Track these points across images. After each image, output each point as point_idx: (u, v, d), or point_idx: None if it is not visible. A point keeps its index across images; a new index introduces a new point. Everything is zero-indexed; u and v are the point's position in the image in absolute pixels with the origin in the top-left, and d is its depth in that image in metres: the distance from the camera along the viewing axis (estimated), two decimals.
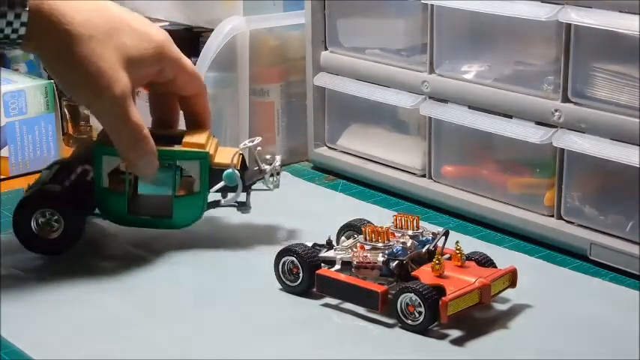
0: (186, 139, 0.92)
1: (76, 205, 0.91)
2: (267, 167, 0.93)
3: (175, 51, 0.91)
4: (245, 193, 0.94)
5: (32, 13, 0.81)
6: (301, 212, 1.01)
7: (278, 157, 0.95)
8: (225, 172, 0.92)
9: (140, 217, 0.93)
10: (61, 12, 0.83)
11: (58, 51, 0.84)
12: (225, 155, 0.93)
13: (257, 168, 0.94)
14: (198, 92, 0.94)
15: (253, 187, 0.94)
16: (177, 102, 0.96)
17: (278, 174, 0.94)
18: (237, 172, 0.92)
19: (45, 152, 1.17)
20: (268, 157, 0.95)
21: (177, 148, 0.92)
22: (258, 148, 0.93)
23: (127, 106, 0.86)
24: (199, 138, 0.92)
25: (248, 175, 0.94)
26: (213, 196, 0.94)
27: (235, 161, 0.92)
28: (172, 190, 0.92)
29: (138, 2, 1.22)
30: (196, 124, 0.95)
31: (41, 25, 0.82)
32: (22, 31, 0.82)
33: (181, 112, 0.97)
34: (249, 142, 0.94)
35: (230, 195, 0.93)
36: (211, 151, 0.92)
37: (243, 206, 0.94)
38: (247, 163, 0.96)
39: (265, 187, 0.94)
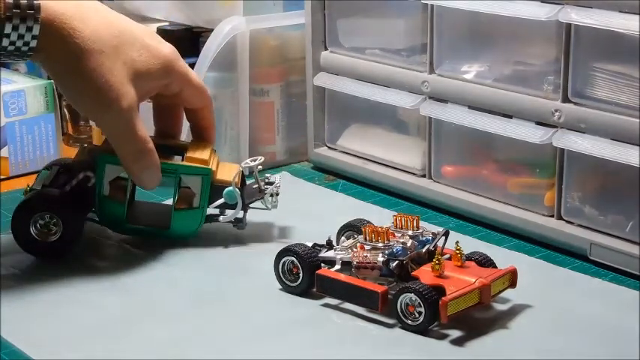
0: (190, 153, 0.93)
1: (75, 209, 0.91)
2: (268, 187, 0.94)
3: (182, 66, 0.92)
4: (242, 211, 0.94)
5: (43, 26, 0.82)
6: (301, 212, 1.01)
7: (277, 176, 0.96)
8: (226, 190, 0.93)
9: (138, 226, 0.93)
10: (71, 26, 0.83)
11: (67, 64, 0.85)
12: (226, 172, 0.94)
13: (257, 187, 0.94)
14: (204, 106, 0.95)
15: (251, 205, 0.95)
16: (182, 113, 0.97)
17: (277, 194, 0.94)
18: (237, 190, 0.93)
19: (45, 152, 1.17)
20: (268, 176, 0.95)
21: (180, 162, 0.93)
22: (260, 167, 0.94)
23: (134, 120, 0.87)
24: (203, 154, 0.93)
25: (248, 193, 0.94)
26: (210, 209, 0.94)
27: (237, 180, 0.93)
28: (172, 202, 0.93)
29: (138, 2, 1.22)
30: (201, 136, 0.97)
31: (51, 38, 0.83)
32: (34, 43, 0.83)
33: (186, 122, 0.98)
34: (250, 162, 0.94)
35: (228, 212, 0.94)
36: (213, 167, 0.93)
37: (239, 222, 0.95)
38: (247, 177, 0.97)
39: (263, 207, 0.95)
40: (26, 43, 0.82)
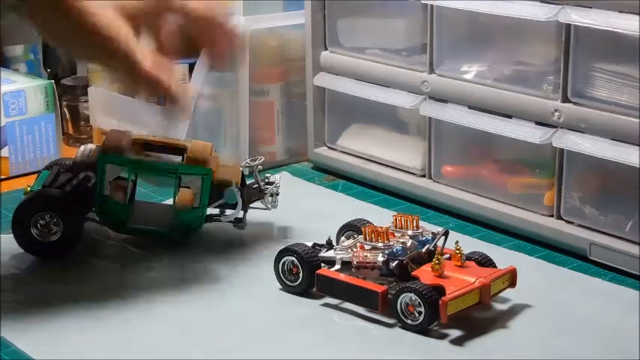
0: (190, 153, 0.93)
1: (75, 209, 0.91)
2: (268, 187, 0.94)
3: (179, 4, 0.88)
4: (242, 210, 0.94)
5: None
6: (301, 212, 1.01)
7: (277, 176, 0.96)
8: (226, 190, 0.93)
9: (138, 226, 0.93)
10: None
11: (54, 13, 0.82)
12: (226, 172, 0.94)
13: (257, 187, 0.94)
14: (218, 36, 0.90)
15: (251, 205, 0.95)
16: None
17: (277, 194, 0.94)
18: (238, 190, 0.93)
19: (45, 152, 1.17)
20: (268, 176, 0.95)
21: (181, 162, 0.93)
22: (260, 167, 0.94)
23: (133, 47, 0.84)
24: (203, 154, 0.93)
25: (248, 193, 0.94)
26: (210, 209, 0.94)
27: (237, 180, 0.93)
28: (172, 203, 0.93)
29: None
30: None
31: None
32: None
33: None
34: (250, 162, 0.94)
35: (229, 212, 0.94)
36: (213, 167, 0.93)
37: (239, 222, 0.95)
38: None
39: (263, 207, 0.95)
40: None
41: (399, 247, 0.81)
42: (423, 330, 0.77)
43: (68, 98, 1.26)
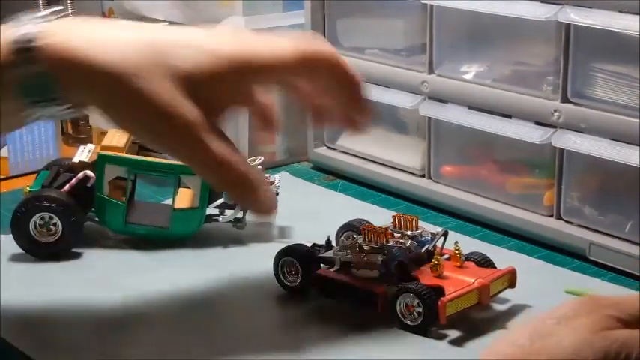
0: None
1: (75, 209, 0.91)
2: None
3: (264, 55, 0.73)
4: (242, 211, 0.94)
5: (51, 64, 0.67)
6: (301, 212, 1.01)
7: (277, 176, 0.96)
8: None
9: (138, 226, 0.93)
10: (89, 58, 0.67)
11: (104, 102, 0.69)
12: None
13: None
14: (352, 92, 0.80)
15: None
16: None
17: (277, 194, 0.94)
18: None
19: (45, 152, 1.17)
20: (268, 176, 0.95)
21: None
22: (259, 167, 0.94)
23: (201, 135, 0.69)
24: None
25: None
26: (210, 209, 0.94)
27: None
28: (172, 203, 0.93)
29: (138, 2, 1.22)
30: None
31: (74, 82, 0.68)
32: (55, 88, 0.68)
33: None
34: (250, 162, 0.94)
35: (228, 212, 0.94)
36: None
37: (239, 222, 0.95)
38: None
39: None
40: (44, 90, 0.68)
41: (398, 247, 0.81)
42: (422, 330, 0.77)
43: None
